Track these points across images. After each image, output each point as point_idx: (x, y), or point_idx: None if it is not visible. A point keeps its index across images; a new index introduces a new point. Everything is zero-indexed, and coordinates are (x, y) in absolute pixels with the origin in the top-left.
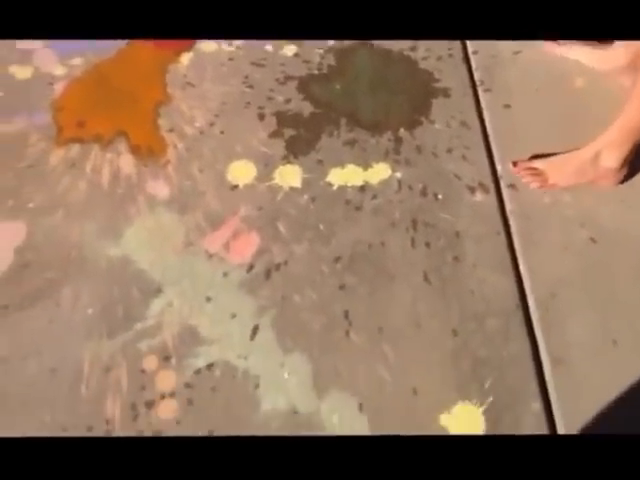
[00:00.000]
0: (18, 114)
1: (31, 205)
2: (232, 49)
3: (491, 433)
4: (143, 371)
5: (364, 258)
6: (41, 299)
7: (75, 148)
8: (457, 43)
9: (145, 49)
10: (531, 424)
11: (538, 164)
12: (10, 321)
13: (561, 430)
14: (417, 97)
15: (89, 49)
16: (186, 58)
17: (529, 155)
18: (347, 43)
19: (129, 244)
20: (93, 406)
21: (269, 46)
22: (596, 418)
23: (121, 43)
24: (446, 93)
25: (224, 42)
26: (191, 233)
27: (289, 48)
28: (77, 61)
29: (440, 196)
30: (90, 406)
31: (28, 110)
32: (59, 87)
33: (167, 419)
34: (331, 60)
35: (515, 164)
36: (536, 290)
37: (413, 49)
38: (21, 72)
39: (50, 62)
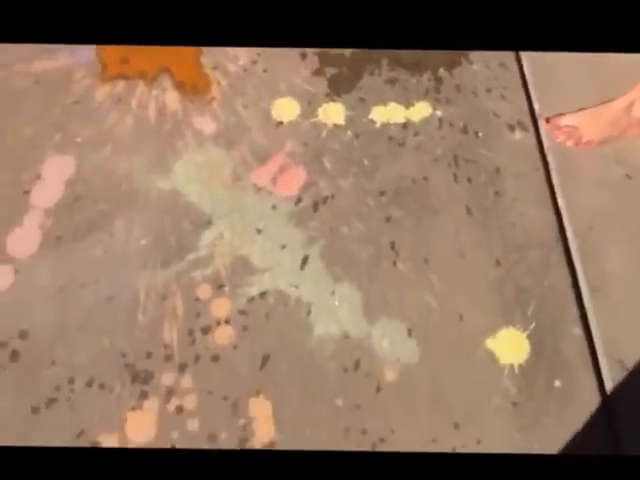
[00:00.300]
0: (61, 50)
1: (79, 140)
2: None
3: (535, 357)
4: (197, 299)
5: (408, 192)
6: (94, 230)
7: (120, 84)
8: None
9: None
10: (573, 348)
11: (571, 120)
12: (65, 251)
13: (601, 354)
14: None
15: None
16: None
17: (567, 98)
18: None
19: (178, 178)
20: (150, 332)
21: None
22: (633, 342)
23: None
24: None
25: None
26: (238, 167)
27: None
28: None
29: (480, 134)
30: (148, 332)
31: (71, 47)
32: None
33: (224, 344)
34: None
35: (548, 121)
36: (574, 223)
37: None
38: None
39: None
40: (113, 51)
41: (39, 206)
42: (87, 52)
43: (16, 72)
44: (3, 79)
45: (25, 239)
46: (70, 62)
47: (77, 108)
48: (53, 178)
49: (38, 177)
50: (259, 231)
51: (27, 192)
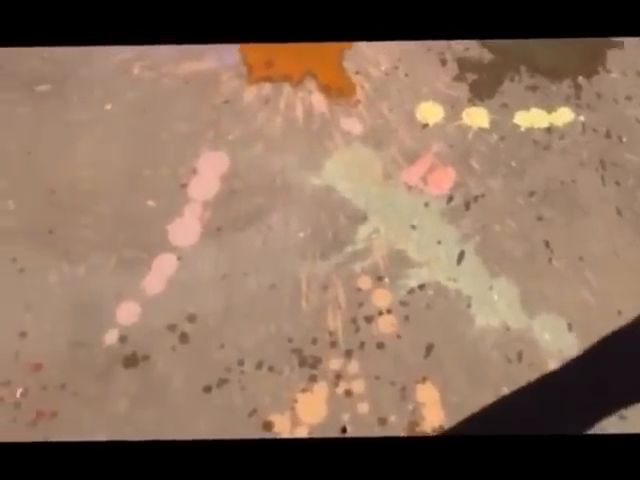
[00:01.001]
0: (207, 53)
1: (231, 137)
2: None
3: None
4: (359, 289)
5: (558, 193)
6: (253, 222)
7: (267, 86)
8: None
9: None
10: None
11: None
12: (225, 241)
13: None
14: (591, 47)
15: None
16: None
17: None
18: None
19: (330, 175)
20: (315, 320)
21: None
22: None
23: None
24: (620, 45)
25: None
26: (388, 166)
27: None
28: None
29: (624, 139)
30: (312, 320)
31: (216, 49)
32: None
33: (388, 333)
34: None
35: None
36: None
37: None
38: None
39: None
40: (257, 54)
41: (197, 199)
42: (232, 55)
43: (165, 73)
44: (152, 80)
45: (186, 229)
46: (216, 64)
47: (227, 107)
48: (208, 173)
49: (194, 172)
50: (414, 227)
51: (184, 185)
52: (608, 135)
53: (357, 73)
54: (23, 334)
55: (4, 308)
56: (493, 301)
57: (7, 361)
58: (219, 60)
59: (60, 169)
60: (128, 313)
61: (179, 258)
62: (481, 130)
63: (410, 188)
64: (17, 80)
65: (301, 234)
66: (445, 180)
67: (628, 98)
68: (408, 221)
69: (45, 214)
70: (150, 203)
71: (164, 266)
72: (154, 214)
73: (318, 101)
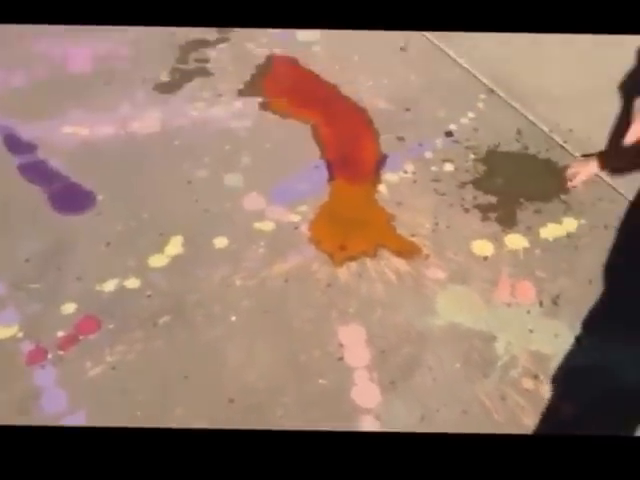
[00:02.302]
0: (288, 253)
1: (351, 310)
2: (408, 175)
3: None
4: (526, 390)
5: None
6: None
7: (352, 265)
8: None
9: (346, 188)
10: None
11: None
12: None
13: None
14: None
15: (306, 196)
16: (383, 187)
17: None
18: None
19: (447, 314)
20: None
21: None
22: None
23: (324, 187)
24: None
25: (405, 173)
26: (483, 294)
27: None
28: (304, 208)
29: None
30: None
31: (295, 250)
32: (304, 229)
33: None
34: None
35: None
36: None
37: None
38: (265, 226)
39: (283, 214)
40: (329, 243)
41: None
42: (308, 251)
43: (265, 276)
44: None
45: None
46: (302, 258)
47: (332, 290)
48: (354, 344)
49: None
50: (531, 330)
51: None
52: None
53: (413, 236)
54: None
55: None
56: None
57: None
58: (301, 256)
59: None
60: None
61: None
62: (524, 249)
63: (509, 305)
64: None
65: (457, 365)
66: (529, 290)
67: None
68: (524, 327)
69: None
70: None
71: None
72: None
73: (399, 264)
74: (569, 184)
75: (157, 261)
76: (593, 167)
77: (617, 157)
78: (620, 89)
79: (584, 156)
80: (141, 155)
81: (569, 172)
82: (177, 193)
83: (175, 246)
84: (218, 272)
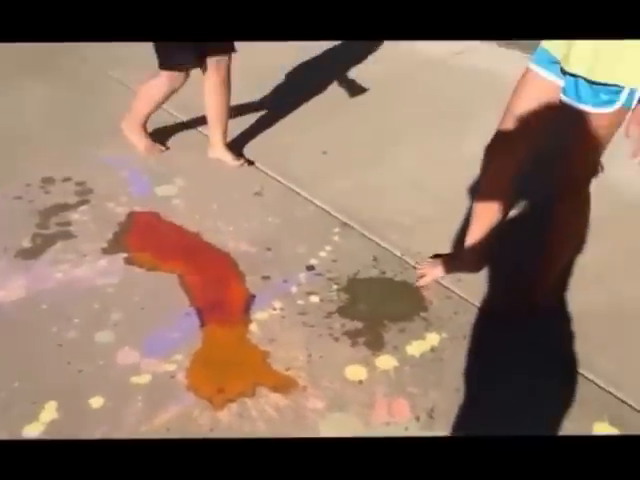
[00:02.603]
0: (168, 403)
1: None
2: (277, 312)
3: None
4: None
5: None
6: None
7: (233, 406)
8: None
9: (218, 332)
10: None
11: None
12: None
13: None
14: None
15: (179, 344)
16: (254, 326)
17: None
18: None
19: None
20: None
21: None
22: None
23: (197, 333)
24: None
25: (274, 310)
26: (362, 417)
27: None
28: (178, 356)
29: None
30: None
31: (175, 399)
32: (181, 377)
33: None
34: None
35: None
36: None
37: None
38: (142, 379)
39: (158, 365)
40: (207, 388)
41: None
42: (187, 398)
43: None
44: None
45: None
46: (180, 407)
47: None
48: None
49: None
50: None
51: None
52: None
53: (287, 370)
54: None
55: None
56: None
57: None
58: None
59: None
60: None
61: None
62: (395, 368)
63: (388, 424)
64: None
65: None
66: (404, 408)
67: None
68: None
69: None
70: None
71: None
72: None
73: (277, 400)
74: (417, 283)
75: (32, 430)
76: (439, 270)
77: (460, 261)
78: None
79: (433, 257)
80: (8, 324)
81: (417, 273)
82: (48, 358)
83: (49, 412)
84: (97, 433)
